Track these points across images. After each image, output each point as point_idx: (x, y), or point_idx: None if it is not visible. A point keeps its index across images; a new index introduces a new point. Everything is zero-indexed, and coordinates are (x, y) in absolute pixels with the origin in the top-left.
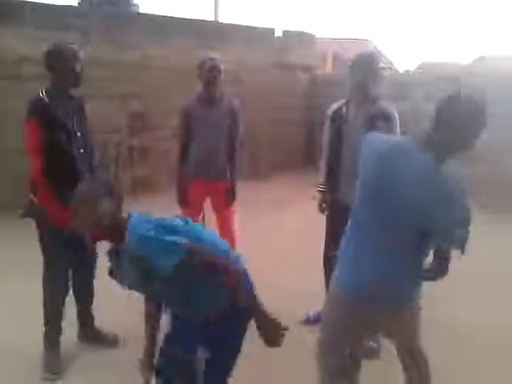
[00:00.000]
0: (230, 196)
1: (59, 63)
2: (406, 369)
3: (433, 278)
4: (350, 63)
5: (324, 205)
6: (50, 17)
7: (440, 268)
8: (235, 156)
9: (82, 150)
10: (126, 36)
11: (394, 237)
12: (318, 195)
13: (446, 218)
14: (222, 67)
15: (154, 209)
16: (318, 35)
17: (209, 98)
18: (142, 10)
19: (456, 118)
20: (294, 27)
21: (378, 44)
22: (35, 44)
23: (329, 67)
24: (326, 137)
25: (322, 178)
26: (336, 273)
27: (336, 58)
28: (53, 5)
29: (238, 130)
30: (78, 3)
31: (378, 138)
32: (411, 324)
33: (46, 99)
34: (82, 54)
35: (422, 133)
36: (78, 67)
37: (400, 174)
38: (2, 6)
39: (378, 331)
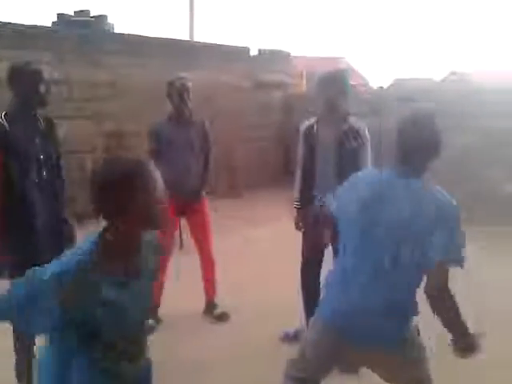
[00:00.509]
0: (193, 205)
1: (21, 84)
2: None
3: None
4: (318, 81)
5: (300, 222)
6: (23, 37)
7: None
8: (207, 175)
9: (44, 173)
10: (101, 56)
11: (396, 273)
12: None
13: (449, 235)
14: (191, 86)
15: None
16: (292, 53)
17: (179, 118)
18: (116, 30)
19: (410, 140)
20: (269, 46)
21: (352, 61)
22: (5, 64)
23: (303, 85)
24: (299, 154)
25: (296, 194)
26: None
27: (310, 76)
28: (26, 25)
29: (209, 149)
30: (52, 23)
31: (356, 183)
32: (409, 373)
33: (5, 123)
34: (46, 74)
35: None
36: (41, 88)
37: (396, 206)
38: None
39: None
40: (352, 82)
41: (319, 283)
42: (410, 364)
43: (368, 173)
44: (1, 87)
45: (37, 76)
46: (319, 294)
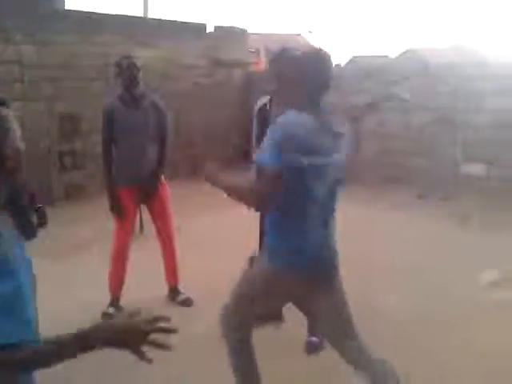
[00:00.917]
0: (151, 191)
1: None
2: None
3: None
4: (269, 59)
5: None
6: None
7: None
8: (164, 159)
9: None
10: (51, 34)
11: (330, 200)
12: None
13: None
14: (140, 65)
15: (86, 215)
16: (249, 31)
17: (130, 98)
18: (68, 7)
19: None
20: (225, 23)
21: (309, 38)
22: None
23: (262, 63)
24: (254, 133)
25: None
26: (274, 248)
27: (268, 54)
28: None
29: (165, 128)
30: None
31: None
32: (342, 297)
33: None
34: None
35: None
36: None
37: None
38: None
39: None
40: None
41: None
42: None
43: (294, 119)
44: None
45: None
46: None
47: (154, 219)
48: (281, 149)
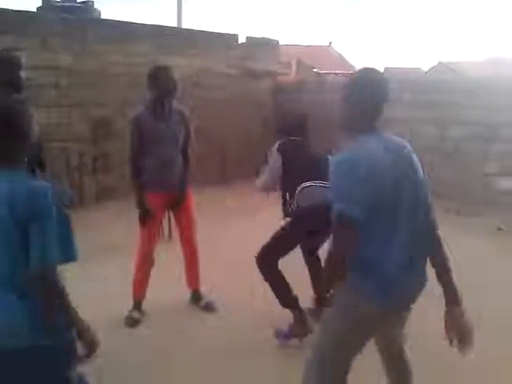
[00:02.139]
0: (180, 199)
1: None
2: (390, 371)
3: None
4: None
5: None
6: (7, 22)
7: None
8: (189, 164)
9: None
10: (87, 42)
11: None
12: None
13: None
14: (175, 76)
15: (117, 217)
16: (281, 41)
17: (162, 109)
18: (103, 16)
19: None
20: (257, 34)
21: (340, 49)
22: None
23: (292, 73)
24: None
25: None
26: (360, 286)
27: (300, 64)
28: (10, 10)
29: (190, 138)
30: (37, 8)
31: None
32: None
33: None
34: (23, 61)
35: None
36: (19, 73)
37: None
38: None
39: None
40: (342, 71)
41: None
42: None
43: (359, 152)
44: None
45: (10, 62)
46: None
47: (178, 224)
48: (363, 191)
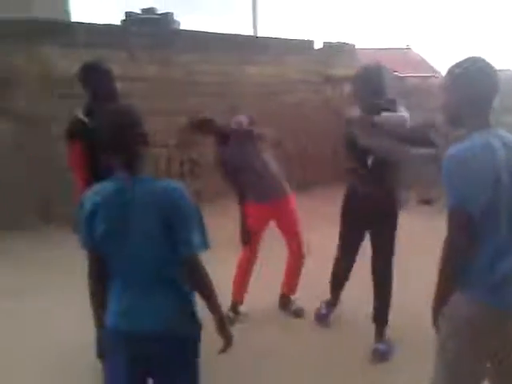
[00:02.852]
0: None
1: (93, 81)
2: None
3: None
4: (356, 75)
5: None
6: (95, 36)
7: None
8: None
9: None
10: (169, 53)
11: None
12: None
13: None
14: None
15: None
16: (358, 45)
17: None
18: (182, 27)
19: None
20: (334, 39)
21: (421, 52)
22: (82, 62)
23: None
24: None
25: None
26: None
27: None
28: (98, 24)
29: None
30: (121, 21)
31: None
32: None
33: (84, 117)
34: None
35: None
36: (112, 85)
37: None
38: (51, 25)
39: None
40: (423, 74)
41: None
42: None
43: (474, 146)
44: (71, 83)
45: (107, 74)
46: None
47: (282, 231)
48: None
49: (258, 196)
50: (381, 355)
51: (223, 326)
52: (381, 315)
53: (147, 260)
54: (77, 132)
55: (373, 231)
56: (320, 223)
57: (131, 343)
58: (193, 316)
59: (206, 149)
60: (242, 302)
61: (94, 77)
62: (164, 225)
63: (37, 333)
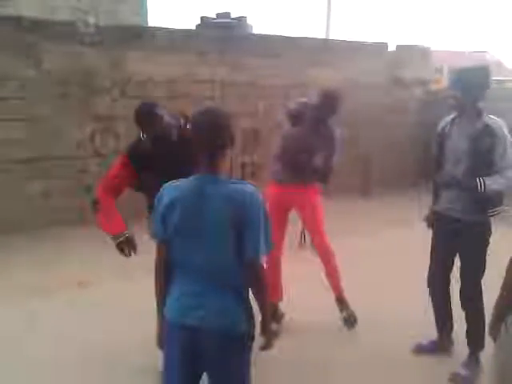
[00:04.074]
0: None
1: (143, 123)
2: None
3: None
4: (450, 77)
5: (428, 220)
6: (171, 40)
7: None
8: (329, 168)
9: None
10: (239, 56)
11: None
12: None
13: None
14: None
15: None
16: (433, 48)
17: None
18: (254, 31)
19: None
20: (407, 41)
21: (497, 55)
22: (159, 65)
23: (444, 81)
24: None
25: (432, 195)
26: None
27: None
28: (173, 29)
29: (334, 152)
30: (196, 26)
31: None
32: None
33: (144, 140)
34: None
35: None
36: (160, 126)
37: None
38: (129, 30)
39: None
40: (500, 78)
41: (448, 294)
42: None
43: None
44: (148, 85)
45: (156, 117)
46: (448, 306)
47: (307, 230)
48: None
49: (288, 176)
50: (460, 380)
51: (267, 325)
52: (473, 339)
53: (211, 257)
54: (131, 148)
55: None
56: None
57: (186, 336)
58: (248, 315)
59: (267, 153)
60: (280, 299)
61: (145, 121)
62: (233, 226)
63: None
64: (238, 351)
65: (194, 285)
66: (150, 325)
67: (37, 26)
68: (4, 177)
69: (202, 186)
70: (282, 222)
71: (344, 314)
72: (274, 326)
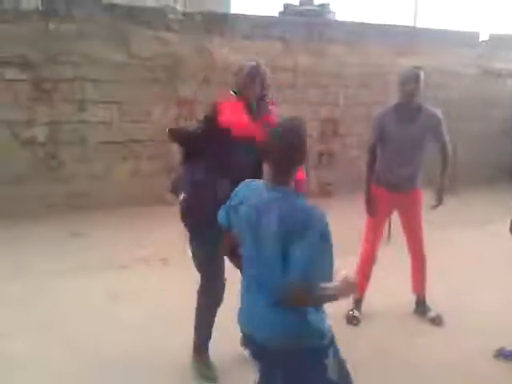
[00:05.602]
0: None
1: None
2: None
3: None
4: None
5: None
6: (254, 27)
7: None
8: (446, 165)
9: None
10: (324, 44)
11: None
12: None
13: None
14: (422, 77)
15: (336, 212)
16: None
17: (405, 111)
18: (338, 17)
19: None
20: (501, 30)
21: None
22: (242, 53)
23: None
24: None
25: None
26: None
27: None
28: (257, 16)
29: (443, 141)
30: (279, 13)
31: None
32: None
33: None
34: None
35: None
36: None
37: None
38: (213, 18)
39: None
40: None
41: None
42: None
43: None
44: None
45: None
46: None
47: (405, 228)
48: None
49: (388, 182)
50: (503, 356)
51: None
52: None
53: (263, 270)
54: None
55: None
56: None
57: (250, 344)
58: (309, 330)
59: (346, 142)
60: (363, 298)
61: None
62: (285, 243)
63: None
64: (303, 367)
65: (250, 293)
66: None
67: (128, 13)
68: (98, 156)
69: (266, 195)
70: (383, 221)
71: (429, 315)
72: (355, 313)
